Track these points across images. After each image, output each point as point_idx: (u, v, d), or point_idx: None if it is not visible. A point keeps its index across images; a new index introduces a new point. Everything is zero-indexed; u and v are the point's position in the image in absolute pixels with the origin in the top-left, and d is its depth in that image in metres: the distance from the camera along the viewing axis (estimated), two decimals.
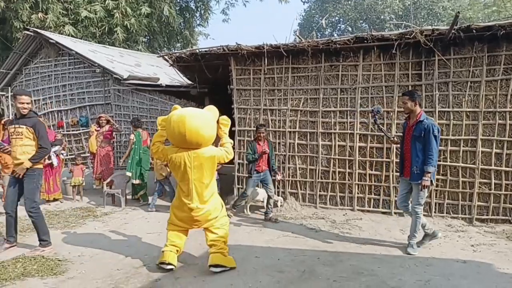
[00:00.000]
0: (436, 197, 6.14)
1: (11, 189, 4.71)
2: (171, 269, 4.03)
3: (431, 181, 4.45)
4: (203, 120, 3.99)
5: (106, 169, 7.91)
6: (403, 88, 6.25)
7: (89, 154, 9.32)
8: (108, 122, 8.06)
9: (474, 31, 5.61)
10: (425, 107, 6.09)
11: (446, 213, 6.09)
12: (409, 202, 4.75)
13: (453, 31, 5.59)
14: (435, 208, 6.15)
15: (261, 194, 6.64)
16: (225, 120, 4.55)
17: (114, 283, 3.77)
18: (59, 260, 4.35)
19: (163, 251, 4.16)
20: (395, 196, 6.31)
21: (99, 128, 8.04)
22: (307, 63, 6.78)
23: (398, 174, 5.51)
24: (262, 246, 4.94)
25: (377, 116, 5.03)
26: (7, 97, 11.15)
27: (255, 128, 6.46)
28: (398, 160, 5.84)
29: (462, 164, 5.97)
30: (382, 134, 5.72)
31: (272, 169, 6.33)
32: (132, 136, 7.61)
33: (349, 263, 4.28)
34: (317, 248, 4.83)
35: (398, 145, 5.32)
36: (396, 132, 6.26)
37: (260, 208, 6.74)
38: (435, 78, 6.08)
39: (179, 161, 4.00)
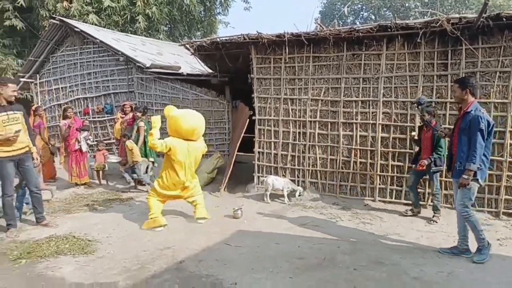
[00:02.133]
0: None
1: (13, 173, 4.87)
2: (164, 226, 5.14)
3: (478, 180, 3.99)
4: (203, 120, 5.51)
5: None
6: (427, 78, 6.16)
7: (114, 140, 9.57)
8: (132, 109, 8.23)
9: (504, 19, 5.42)
10: (450, 98, 5.99)
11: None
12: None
13: (481, 19, 5.42)
14: None
15: (281, 183, 6.70)
16: None
17: (140, 263, 3.93)
18: (89, 240, 4.57)
19: (154, 218, 5.18)
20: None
21: (124, 115, 8.23)
22: (329, 52, 6.74)
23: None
24: (282, 233, 5.02)
25: (420, 107, 4.70)
26: (36, 84, 11.50)
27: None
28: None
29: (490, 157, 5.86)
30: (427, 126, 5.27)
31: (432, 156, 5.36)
32: (142, 124, 7.67)
33: (370, 253, 4.32)
34: (337, 237, 4.87)
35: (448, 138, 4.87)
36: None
37: (280, 196, 6.81)
38: (461, 68, 5.93)
39: (183, 148, 5.24)
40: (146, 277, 3.59)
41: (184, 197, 5.56)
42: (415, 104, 4.76)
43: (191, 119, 5.31)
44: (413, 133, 5.74)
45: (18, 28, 14.48)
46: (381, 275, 3.73)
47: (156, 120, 5.37)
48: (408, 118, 6.27)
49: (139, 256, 4.12)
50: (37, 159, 5.02)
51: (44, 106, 11.09)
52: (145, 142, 7.59)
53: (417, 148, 5.91)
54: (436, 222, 5.45)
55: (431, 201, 5.83)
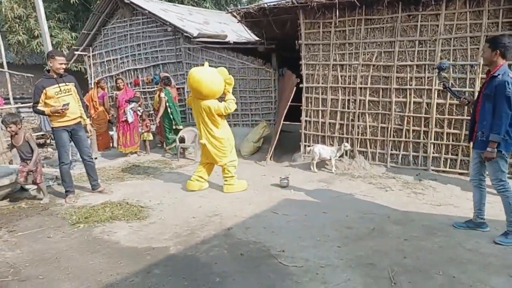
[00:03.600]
0: None
1: (68, 142, 5.10)
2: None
3: (502, 153, 3.58)
4: (204, 79, 5.05)
5: None
6: None
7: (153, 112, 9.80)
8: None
9: None
10: None
11: None
12: (484, 177, 3.90)
13: None
14: None
15: (328, 152, 6.57)
16: (230, 79, 5.38)
17: (190, 229, 4.06)
18: (141, 207, 4.78)
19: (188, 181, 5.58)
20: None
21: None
22: (382, 14, 6.32)
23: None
24: (330, 202, 4.95)
25: (442, 73, 4.23)
26: (89, 56, 11.97)
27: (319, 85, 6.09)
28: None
29: None
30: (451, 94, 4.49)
31: None
32: (162, 95, 7.98)
33: (421, 223, 4.15)
34: (387, 207, 4.73)
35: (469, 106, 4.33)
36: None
37: (327, 165, 6.70)
38: None
39: (195, 107, 5.30)
40: (196, 243, 3.70)
41: (216, 163, 5.51)
42: (435, 70, 4.20)
43: (189, 78, 5.16)
44: None
45: (71, 2, 14.97)
46: (433, 246, 3.59)
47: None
48: (468, 82, 5.83)
49: (189, 222, 4.25)
50: (90, 131, 5.22)
51: (97, 78, 11.56)
52: (167, 112, 8.04)
53: None
54: None
55: None
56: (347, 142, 6.82)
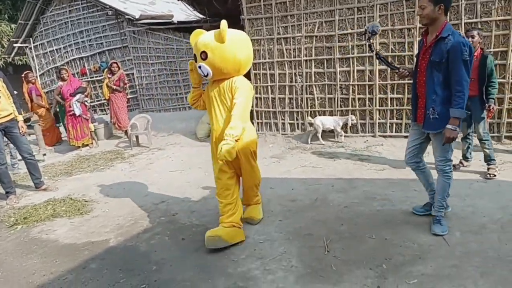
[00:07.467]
0: None
1: (1, 141, 4.82)
2: None
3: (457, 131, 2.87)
4: None
5: (120, 114, 8.08)
6: None
7: (105, 101, 9.48)
8: (119, 68, 8.15)
9: None
10: (450, 20, 5.57)
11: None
12: (422, 157, 3.34)
13: None
14: None
15: (331, 122, 6.40)
16: None
17: (134, 219, 4.00)
18: (85, 201, 4.65)
19: None
20: None
21: (110, 75, 8.11)
22: None
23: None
24: (278, 177, 4.99)
25: (372, 40, 3.38)
26: (30, 48, 11.33)
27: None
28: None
29: None
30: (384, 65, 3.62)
31: (487, 97, 4.21)
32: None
33: (363, 189, 4.27)
34: (333, 176, 4.83)
35: (409, 78, 3.37)
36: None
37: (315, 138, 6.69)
38: None
39: None
40: (137, 232, 3.65)
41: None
42: (367, 34, 3.31)
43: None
44: None
45: None
46: (371, 210, 3.70)
47: None
48: (406, 46, 5.93)
49: (133, 212, 4.18)
50: (22, 127, 4.97)
51: (42, 70, 11.02)
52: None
53: None
54: (495, 176, 4.32)
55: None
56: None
